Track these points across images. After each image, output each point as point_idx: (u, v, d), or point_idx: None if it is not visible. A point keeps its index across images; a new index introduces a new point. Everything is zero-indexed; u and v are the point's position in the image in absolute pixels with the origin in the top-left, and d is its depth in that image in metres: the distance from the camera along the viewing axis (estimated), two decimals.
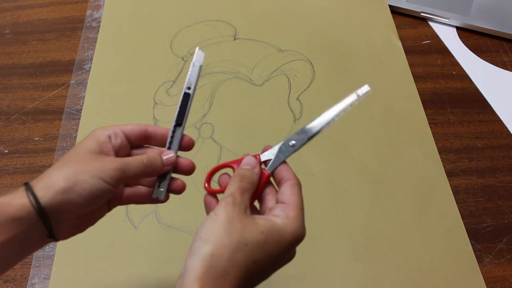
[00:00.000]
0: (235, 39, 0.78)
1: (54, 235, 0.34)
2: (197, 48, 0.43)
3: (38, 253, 0.56)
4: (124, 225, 0.58)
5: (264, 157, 0.39)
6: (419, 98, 0.71)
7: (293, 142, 0.40)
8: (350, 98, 0.42)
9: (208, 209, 0.38)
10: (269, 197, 0.37)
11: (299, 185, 0.36)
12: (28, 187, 0.33)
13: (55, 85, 0.74)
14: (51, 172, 0.34)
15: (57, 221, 0.34)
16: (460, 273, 0.55)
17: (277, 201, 0.36)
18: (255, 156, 0.39)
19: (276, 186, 0.39)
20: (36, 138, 0.68)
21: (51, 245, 0.57)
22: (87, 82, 0.73)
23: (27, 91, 0.74)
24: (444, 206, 0.60)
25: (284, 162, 0.39)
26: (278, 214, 0.34)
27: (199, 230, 0.32)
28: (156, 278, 0.54)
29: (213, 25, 0.80)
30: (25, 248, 0.34)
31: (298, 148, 0.40)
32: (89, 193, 0.33)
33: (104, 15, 0.83)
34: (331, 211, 0.59)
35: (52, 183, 0.33)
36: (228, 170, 0.41)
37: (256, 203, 0.40)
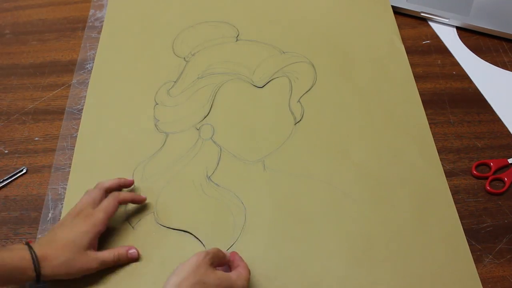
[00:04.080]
0: (237, 40, 0.78)
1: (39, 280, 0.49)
2: None
3: None
4: (122, 225, 0.58)
5: None
6: (421, 103, 0.70)
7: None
8: None
9: None
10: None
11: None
12: (32, 255, 0.48)
13: (55, 85, 0.74)
14: (56, 245, 0.50)
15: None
16: (459, 278, 0.54)
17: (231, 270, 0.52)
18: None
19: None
20: (36, 138, 0.68)
21: None
22: (88, 82, 0.73)
23: (27, 91, 0.74)
24: (444, 210, 0.59)
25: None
26: (232, 273, 0.49)
27: (175, 269, 0.47)
28: (154, 278, 0.54)
29: (216, 25, 0.80)
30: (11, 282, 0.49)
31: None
32: (76, 274, 0.51)
33: (107, 15, 0.83)
34: (330, 214, 0.59)
35: (55, 257, 0.49)
36: None
37: None
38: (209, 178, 0.62)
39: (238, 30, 0.79)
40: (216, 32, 0.79)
